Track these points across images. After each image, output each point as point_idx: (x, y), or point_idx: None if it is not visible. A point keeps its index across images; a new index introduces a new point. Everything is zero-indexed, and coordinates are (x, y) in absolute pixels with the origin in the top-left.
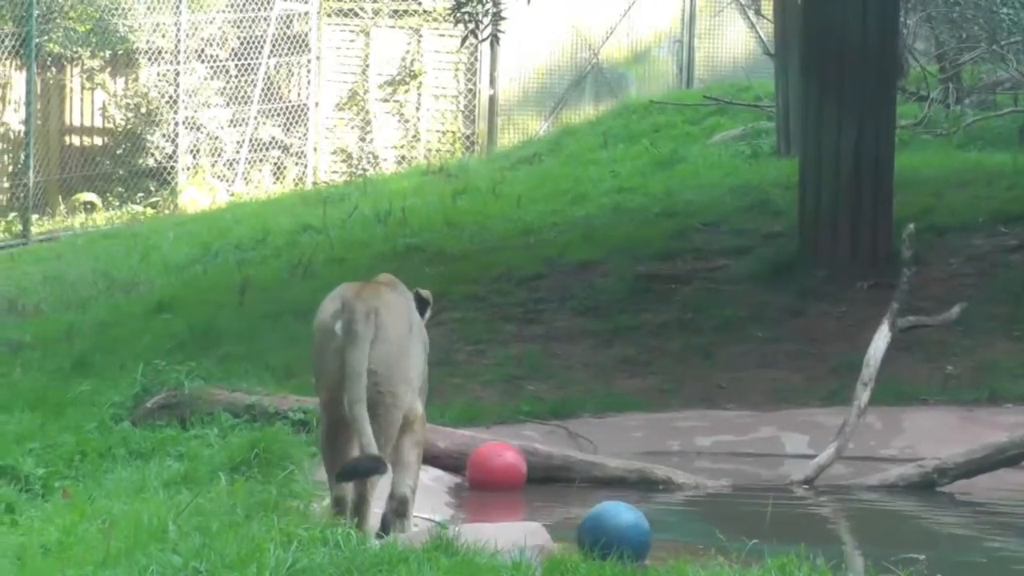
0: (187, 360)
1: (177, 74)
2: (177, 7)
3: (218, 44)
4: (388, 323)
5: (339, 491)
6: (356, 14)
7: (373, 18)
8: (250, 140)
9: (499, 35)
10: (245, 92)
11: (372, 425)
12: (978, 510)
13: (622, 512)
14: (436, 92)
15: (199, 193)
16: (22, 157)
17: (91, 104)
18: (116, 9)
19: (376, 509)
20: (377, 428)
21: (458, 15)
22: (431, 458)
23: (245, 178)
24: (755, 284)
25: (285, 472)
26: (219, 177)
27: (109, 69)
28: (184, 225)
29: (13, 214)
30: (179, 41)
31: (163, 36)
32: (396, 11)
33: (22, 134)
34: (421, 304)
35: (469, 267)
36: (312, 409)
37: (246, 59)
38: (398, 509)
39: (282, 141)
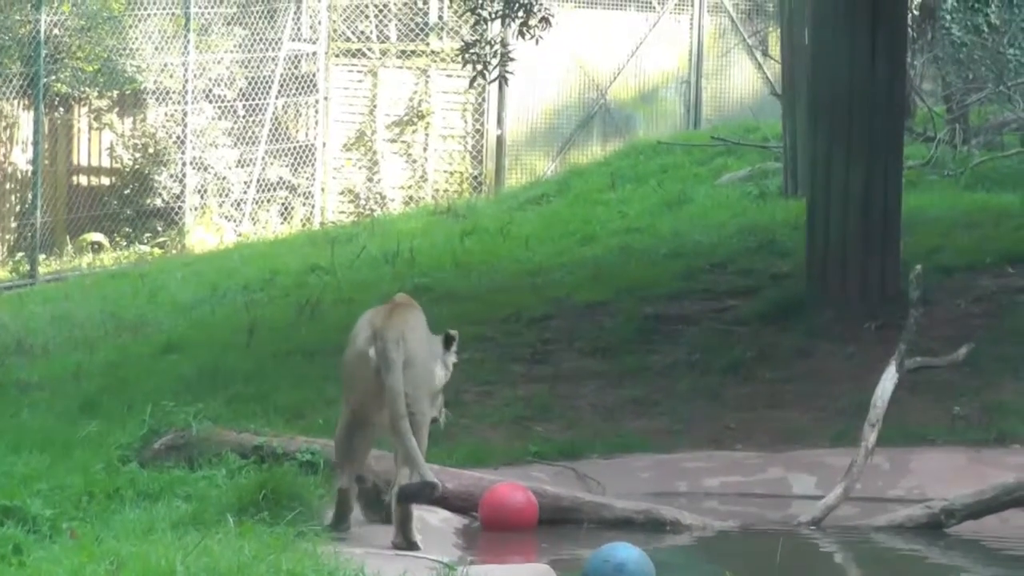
0: (195, 401)
1: (185, 114)
2: (185, 47)
3: (226, 84)
4: (414, 347)
5: (345, 483)
6: (364, 55)
7: (381, 59)
8: (258, 180)
9: (507, 76)
10: (253, 132)
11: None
12: (986, 551)
13: (626, 553)
14: (444, 132)
15: (206, 233)
16: (29, 197)
17: (98, 144)
18: (124, 49)
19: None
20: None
21: (466, 56)
22: (439, 499)
23: (252, 218)
24: (763, 325)
25: (293, 513)
26: (226, 217)
27: (117, 109)
28: (192, 265)
29: (20, 254)
30: (187, 81)
31: (171, 76)
32: (404, 52)
33: (29, 174)
34: (448, 341)
35: (477, 308)
36: (320, 450)
37: (254, 99)
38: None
39: (290, 181)
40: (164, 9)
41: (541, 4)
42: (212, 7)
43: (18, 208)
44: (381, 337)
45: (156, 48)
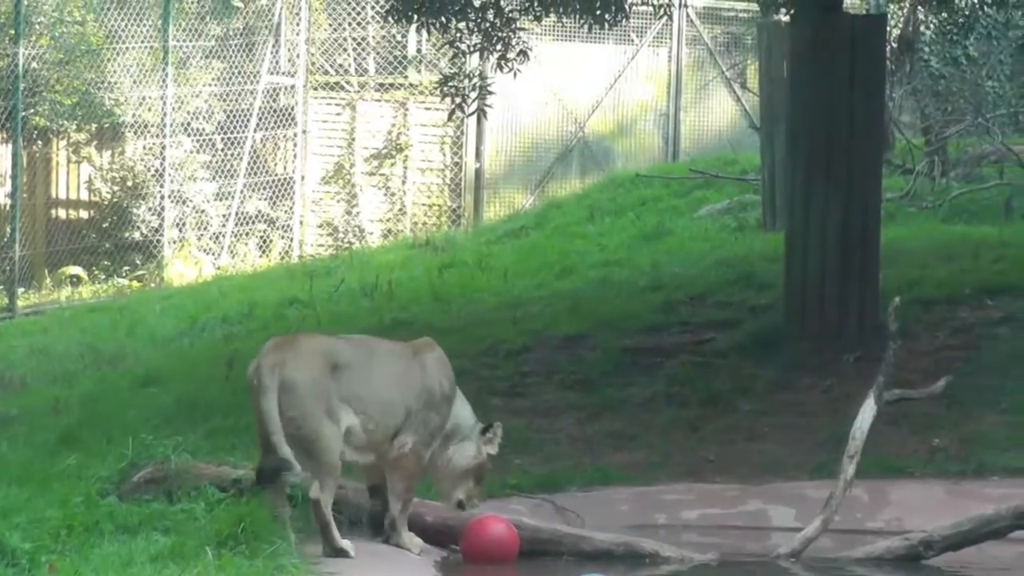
0: (174, 434)
1: (163, 148)
2: (163, 81)
3: (204, 118)
4: (293, 374)
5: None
6: (342, 88)
7: (359, 92)
8: (236, 213)
9: (486, 109)
10: (231, 166)
11: (308, 461)
12: None
13: None
14: (422, 165)
15: (185, 266)
16: (8, 230)
17: (77, 177)
18: (102, 83)
19: None
20: (312, 463)
21: (445, 89)
22: (418, 532)
23: (231, 251)
24: (742, 357)
25: (272, 547)
26: (205, 250)
27: (95, 143)
28: (170, 298)
29: None
30: (165, 115)
31: (149, 110)
32: (382, 85)
33: (8, 207)
34: (485, 429)
35: (456, 341)
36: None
37: (232, 133)
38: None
39: (268, 214)
40: (142, 42)
41: (519, 37)
42: (190, 40)
43: None
44: (259, 365)
45: (134, 81)
